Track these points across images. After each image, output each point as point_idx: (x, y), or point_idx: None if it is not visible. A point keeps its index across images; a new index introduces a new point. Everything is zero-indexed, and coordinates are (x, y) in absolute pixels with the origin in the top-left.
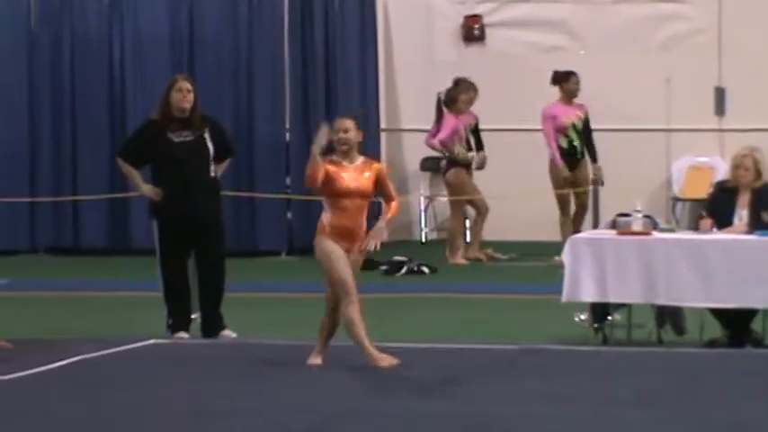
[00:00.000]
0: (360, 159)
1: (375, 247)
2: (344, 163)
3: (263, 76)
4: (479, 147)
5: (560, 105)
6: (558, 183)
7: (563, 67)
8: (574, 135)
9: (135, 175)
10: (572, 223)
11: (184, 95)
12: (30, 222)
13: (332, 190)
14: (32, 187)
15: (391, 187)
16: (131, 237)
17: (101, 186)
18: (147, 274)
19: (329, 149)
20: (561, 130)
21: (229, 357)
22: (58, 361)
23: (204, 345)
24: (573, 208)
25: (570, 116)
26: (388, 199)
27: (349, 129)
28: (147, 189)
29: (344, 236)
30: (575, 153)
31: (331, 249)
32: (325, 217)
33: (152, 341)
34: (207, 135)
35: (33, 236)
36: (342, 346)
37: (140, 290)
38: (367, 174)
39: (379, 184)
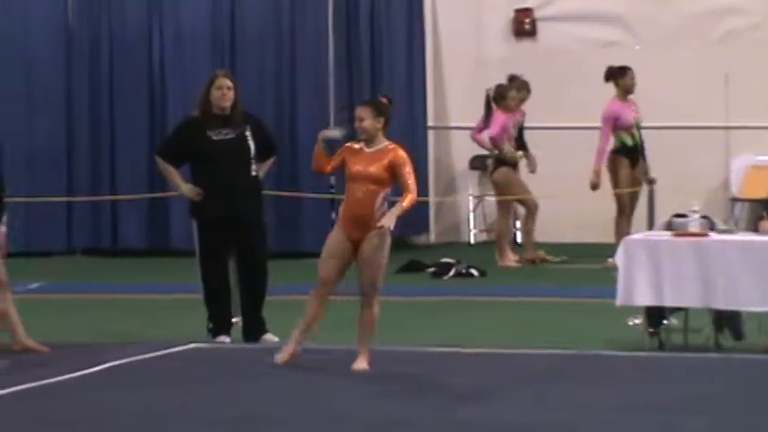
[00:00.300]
0: (381, 145)
1: (389, 227)
2: (365, 149)
3: (307, 73)
4: (524, 146)
5: (619, 103)
6: (620, 181)
7: (617, 63)
8: (637, 132)
9: (174, 173)
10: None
11: (224, 93)
12: (67, 223)
13: (346, 175)
14: (70, 187)
15: (408, 177)
16: (171, 237)
17: (140, 186)
18: (187, 275)
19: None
20: (627, 129)
21: (271, 362)
22: (95, 366)
23: (245, 349)
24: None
25: (632, 113)
26: (404, 189)
27: (364, 117)
28: (187, 188)
29: (356, 223)
30: (638, 151)
31: (327, 243)
32: (342, 204)
33: (192, 345)
34: (248, 133)
35: (70, 237)
36: (387, 351)
37: (180, 292)
38: (383, 160)
39: (393, 171)
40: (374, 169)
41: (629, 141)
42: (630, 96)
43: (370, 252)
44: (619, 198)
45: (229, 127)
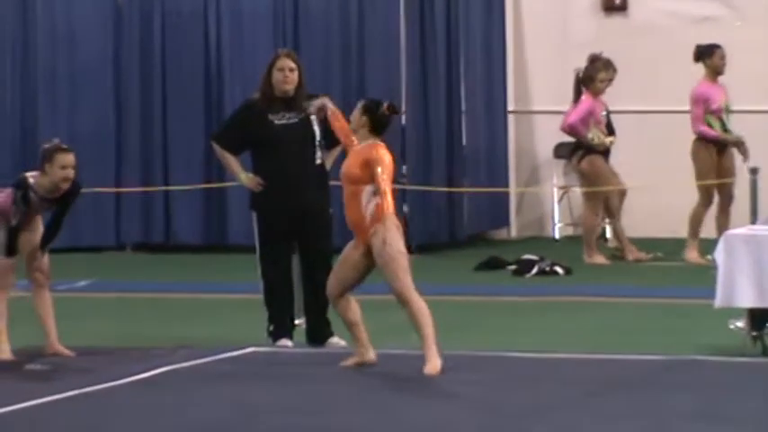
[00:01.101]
0: (366, 143)
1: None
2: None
3: (376, 53)
4: (612, 131)
5: (709, 84)
6: (703, 171)
7: (716, 41)
8: (726, 118)
9: (232, 161)
10: (721, 217)
11: (286, 75)
12: (116, 216)
13: None
14: (119, 177)
15: (379, 177)
16: (228, 232)
17: (195, 176)
18: (246, 274)
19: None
20: (716, 113)
21: (337, 368)
22: (146, 371)
23: (310, 354)
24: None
25: (722, 96)
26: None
27: (353, 111)
28: (246, 178)
29: (352, 228)
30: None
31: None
32: None
33: (251, 349)
34: (313, 117)
35: (120, 231)
36: (463, 355)
37: (238, 292)
38: (359, 158)
39: (370, 169)
40: (348, 168)
41: (717, 127)
42: (720, 78)
43: (376, 252)
44: (701, 189)
45: (293, 111)
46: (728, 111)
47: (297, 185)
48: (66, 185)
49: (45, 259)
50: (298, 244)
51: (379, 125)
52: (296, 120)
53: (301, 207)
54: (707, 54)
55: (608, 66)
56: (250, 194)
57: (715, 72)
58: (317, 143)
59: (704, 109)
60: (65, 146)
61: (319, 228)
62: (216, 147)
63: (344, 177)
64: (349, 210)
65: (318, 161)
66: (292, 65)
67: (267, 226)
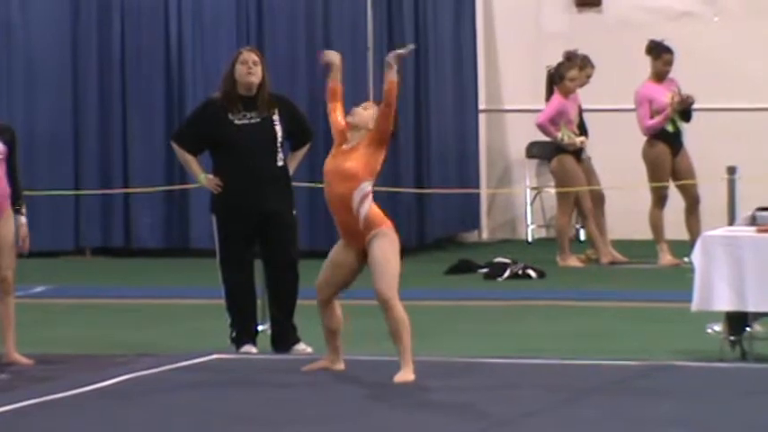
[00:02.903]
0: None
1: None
2: (343, 146)
3: (342, 49)
4: (584, 131)
5: (654, 85)
6: (657, 172)
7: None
8: (677, 117)
9: (192, 162)
10: (690, 219)
11: (250, 68)
12: (74, 220)
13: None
14: (77, 179)
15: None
16: (190, 236)
17: (156, 178)
18: (209, 278)
19: None
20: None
21: (304, 376)
22: (106, 379)
23: (275, 360)
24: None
25: (668, 96)
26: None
27: (367, 107)
28: (205, 179)
29: (342, 230)
30: (679, 137)
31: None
32: None
33: (215, 356)
34: (276, 117)
35: (78, 235)
36: (435, 362)
37: (201, 297)
38: (360, 146)
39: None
40: (348, 163)
41: (669, 128)
42: (671, 76)
43: (374, 252)
44: (653, 191)
45: (254, 110)
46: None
47: (256, 187)
48: None
49: (13, 263)
50: (260, 248)
51: None
52: (257, 120)
53: (261, 209)
54: (655, 53)
55: (584, 63)
56: (210, 196)
57: (657, 75)
58: (278, 144)
59: (649, 109)
60: None
61: (282, 231)
62: (175, 146)
63: (334, 175)
64: (338, 212)
65: (280, 162)
66: (256, 58)
67: (226, 229)
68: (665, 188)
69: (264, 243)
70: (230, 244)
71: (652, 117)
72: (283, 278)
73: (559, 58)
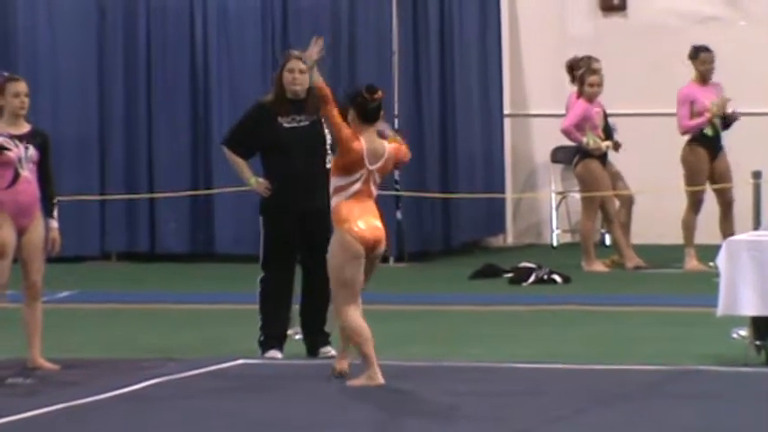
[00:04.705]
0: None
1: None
2: None
3: (367, 54)
4: (610, 135)
5: (696, 86)
6: (694, 175)
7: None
8: (716, 120)
9: (243, 166)
10: (724, 223)
11: (295, 77)
12: (100, 224)
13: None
14: (103, 183)
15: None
16: (216, 241)
17: (181, 182)
18: (234, 283)
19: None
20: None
21: (330, 381)
22: (131, 385)
23: (300, 366)
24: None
25: (709, 98)
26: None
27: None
28: (256, 183)
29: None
30: (717, 141)
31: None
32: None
33: (240, 361)
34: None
35: (103, 240)
36: (459, 367)
37: (227, 302)
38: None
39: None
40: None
41: (707, 131)
42: (717, 81)
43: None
44: (689, 194)
45: (303, 113)
46: (716, 113)
47: (305, 189)
48: (22, 112)
49: (42, 268)
50: (302, 253)
51: (363, 112)
52: (306, 123)
53: (309, 211)
54: (692, 54)
55: (592, 63)
56: (260, 198)
57: (699, 76)
58: (327, 146)
59: (690, 109)
60: (15, 75)
61: (325, 234)
62: (226, 150)
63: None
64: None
65: (329, 165)
66: (303, 66)
67: (272, 229)
68: (701, 192)
69: (308, 248)
70: (275, 244)
71: (692, 118)
72: (322, 287)
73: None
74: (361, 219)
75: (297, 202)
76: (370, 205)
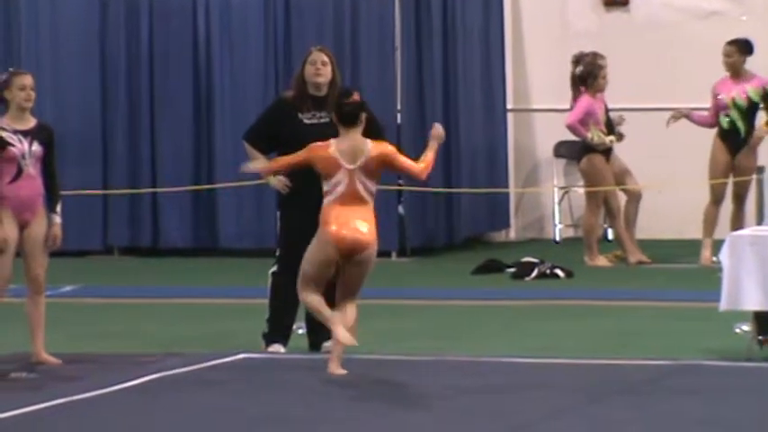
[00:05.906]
0: None
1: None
2: None
3: (370, 48)
4: (612, 129)
5: (727, 79)
6: (711, 170)
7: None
8: (735, 114)
9: (262, 161)
10: (735, 218)
11: (318, 68)
12: (103, 219)
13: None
14: (106, 178)
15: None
16: (219, 235)
17: (184, 177)
18: (237, 278)
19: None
20: (722, 109)
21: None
22: (134, 379)
23: (302, 360)
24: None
25: (732, 92)
26: None
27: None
28: (275, 179)
29: None
30: (737, 135)
31: None
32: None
33: (242, 355)
34: None
35: (106, 234)
36: (462, 361)
37: (230, 297)
38: None
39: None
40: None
41: (724, 124)
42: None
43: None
44: (710, 187)
45: (324, 110)
46: (738, 107)
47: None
48: (28, 105)
49: (44, 263)
50: None
51: (339, 115)
52: (327, 119)
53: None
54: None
55: (597, 59)
56: (277, 194)
57: (728, 70)
58: None
59: (714, 102)
60: (21, 70)
61: None
62: (246, 145)
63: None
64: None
65: None
66: (325, 58)
67: (289, 223)
68: (721, 185)
69: None
70: (290, 239)
71: (716, 112)
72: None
73: (573, 63)
74: (342, 221)
75: (314, 198)
76: (358, 209)
